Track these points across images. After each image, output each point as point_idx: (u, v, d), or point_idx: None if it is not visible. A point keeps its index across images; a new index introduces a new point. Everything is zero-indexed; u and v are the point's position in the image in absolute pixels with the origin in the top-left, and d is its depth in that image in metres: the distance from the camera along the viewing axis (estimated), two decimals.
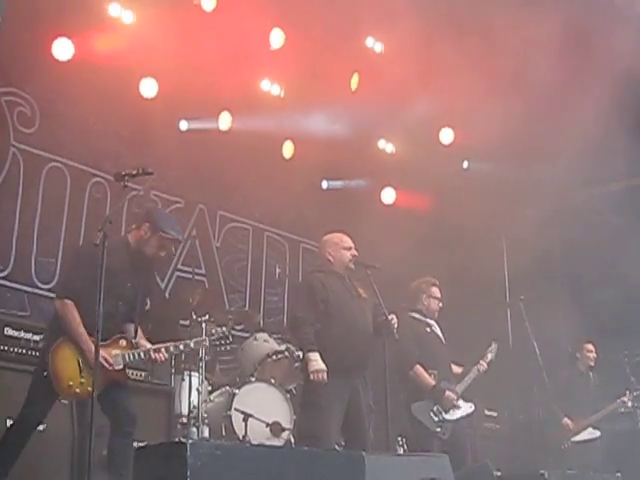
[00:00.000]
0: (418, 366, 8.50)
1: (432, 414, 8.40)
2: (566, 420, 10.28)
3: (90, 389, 6.27)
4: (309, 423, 7.22)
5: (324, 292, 7.40)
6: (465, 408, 8.65)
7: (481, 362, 8.87)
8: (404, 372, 8.48)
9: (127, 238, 6.85)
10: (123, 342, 6.67)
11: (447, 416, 8.44)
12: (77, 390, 6.41)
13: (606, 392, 10.56)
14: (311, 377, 7.09)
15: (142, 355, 6.71)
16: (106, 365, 6.47)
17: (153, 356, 6.75)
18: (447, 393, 8.47)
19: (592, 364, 10.74)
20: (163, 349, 6.82)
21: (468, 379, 8.75)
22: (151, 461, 5.20)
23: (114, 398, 6.57)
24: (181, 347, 6.94)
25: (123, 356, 6.62)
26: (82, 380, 6.42)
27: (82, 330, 6.45)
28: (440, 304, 9.01)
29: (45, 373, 6.33)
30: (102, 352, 6.35)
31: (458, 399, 8.57)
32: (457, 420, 8.52)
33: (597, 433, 10.38)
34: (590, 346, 10.75)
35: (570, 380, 10.34)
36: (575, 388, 10.39)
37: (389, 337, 7.24)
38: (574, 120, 9.58)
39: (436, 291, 9.04)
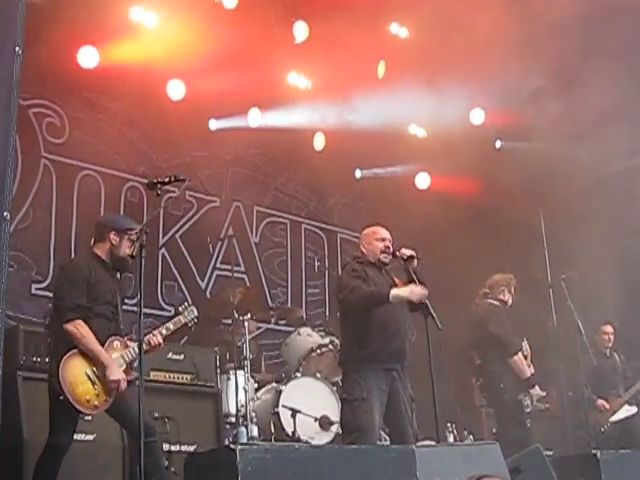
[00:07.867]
0: (520, 355, 8.88)
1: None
2: (601, 401, 10.23)
3: (106, 398, 6.39)
4: (353, 417, 7.05)
5: (366, 277, 7.32)
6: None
7: None
8: (503, 358, 8.83)
9: (95, 253, 6.79)
10: (117, 344, 6.58)
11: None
12: (96, 403, 6.34)
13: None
14: (415, 299, 7.04)
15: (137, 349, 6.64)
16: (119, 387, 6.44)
17: (152, 342, 6.66)
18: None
19: (609, 345, 10.65)
20: (157, 333, 6.77)
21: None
22: (201, 468, 5.22)
23: (123, 409, 6.47)
24: (171, 326, 6.91)
25: (122, 356, 6.55)
26: (97, 392, 6.37)
27: (97, 345, 6.41)
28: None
29: (61, 397, 6.24)
30: (113, 376, 6.38)
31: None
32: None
33: (634, 409, 10.32)
34: (607, 328, 10.65)
35: (595, 363, 10.14)
36: (602, 370, 10.28)
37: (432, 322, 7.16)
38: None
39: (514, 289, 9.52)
